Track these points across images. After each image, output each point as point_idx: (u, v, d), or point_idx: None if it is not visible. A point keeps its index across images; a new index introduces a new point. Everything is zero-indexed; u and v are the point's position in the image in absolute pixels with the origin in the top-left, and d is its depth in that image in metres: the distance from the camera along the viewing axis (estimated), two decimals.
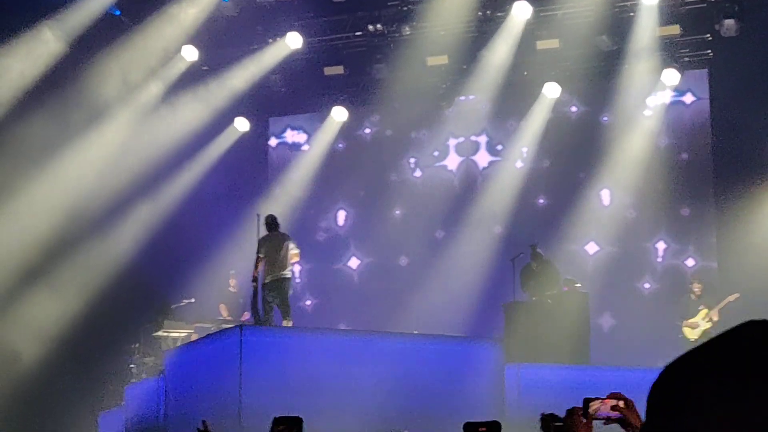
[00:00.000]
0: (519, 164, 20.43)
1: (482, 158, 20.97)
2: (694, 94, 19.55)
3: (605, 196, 19.83)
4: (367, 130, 21.72)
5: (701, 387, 1.04)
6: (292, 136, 22.41)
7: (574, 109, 20.35)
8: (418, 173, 21.38)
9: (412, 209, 21.02)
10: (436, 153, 21.27)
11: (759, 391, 1.00)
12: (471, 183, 20.90)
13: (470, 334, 17.47)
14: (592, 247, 19.82)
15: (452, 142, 21.17)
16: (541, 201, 20.37)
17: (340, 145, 21.64)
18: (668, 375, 1.09)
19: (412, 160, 21.41)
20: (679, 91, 19.51)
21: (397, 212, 21.26)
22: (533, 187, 20.24)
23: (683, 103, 19.65)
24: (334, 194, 21.71)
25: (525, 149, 20.32)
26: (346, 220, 21.80)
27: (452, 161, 21.19)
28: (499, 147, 20.81)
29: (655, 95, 19.40)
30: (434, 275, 19.95)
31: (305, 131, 22.30)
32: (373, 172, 21.43)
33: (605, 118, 19.90)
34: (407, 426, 13.19)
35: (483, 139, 20.97)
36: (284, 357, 13.37)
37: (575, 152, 19.84)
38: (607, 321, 19.12)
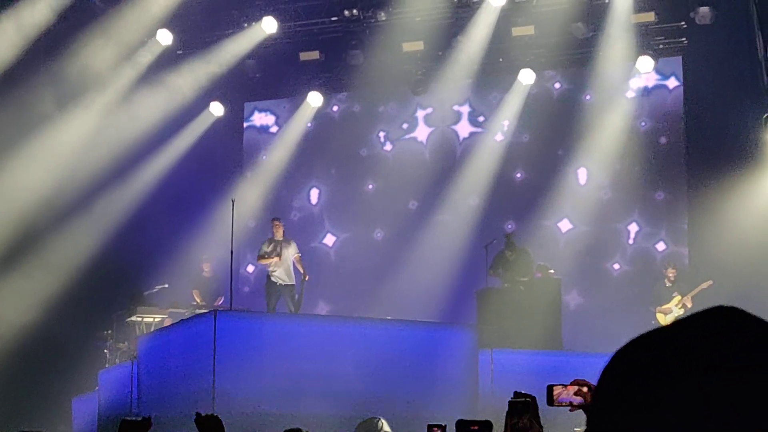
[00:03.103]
0: (499, 137, 20.48)
1: (463, 128, 21.03)
2: (677, 79, 19.62)
3: (582, 174, 19.91)
4: (335, 108, 21.74)
5: (651, 380, 0.98)
6: (260, 118, 22.48)
7: (557, 85, 20.42)
8: (388, 146, 21.46)
9: (384, 183, 21.09)
10: (405, 125, 21.36)
11: (714, 387, 0.95)
12: (445, 153, 20.93)
13: (444, 320, 17.52)
14: (565, 225, 19.93)
15: (420, 114, 21.24)
16: (519, 175, 20.44)
17: (309, 125, 21.65)
18: (619, 361, 1.03)
19: (381, 134, 21.49)
20: (663, 75, 19.60)
21: (370, 186, 21.35)
22: (511, 160, 20.31)
23: (666, 87, 19.73)
24: (306, 173, 21.76)
25: (506, 122, 20.38)
26: (319, 197, 21.87)
27: (422, 132, 21.28)
28: (481, 118, 20.88)
29: (639, 77, 19.46)
30: (410, 247, 20.05)
31: (273, 113, 22.38)
32: (343, 149, 21.50)
33: (588, 97, 19.94)
34: (381, 411, 13.21)
35: (465, 110, 21.02)
36: (258, 342, 13.37)
37: (555, 129, 19.90)
38: (574, 299, 19.22)
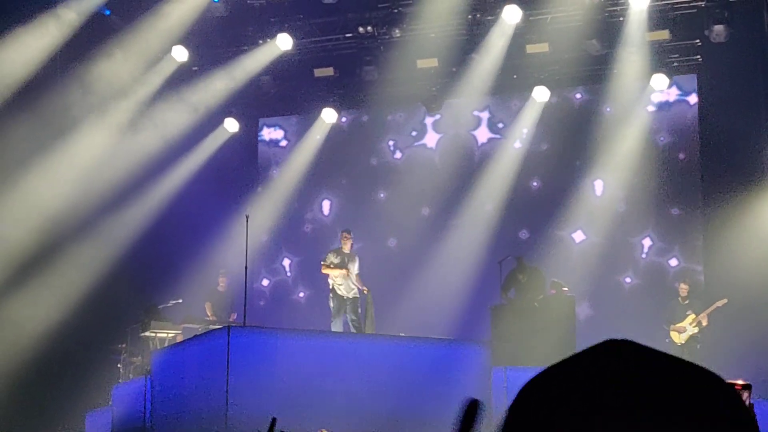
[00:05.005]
0: (517, 144, 20.52)
1: (482, 134, 21.08)
2: (698, 95, 19.65)
3: (598, 186, 19.94)
4: (344, 119, 21.83)
5: (554, 411, 1.03)
6: (269, 133, 22.67)
7: (578, 96, 20.46)
8: (398, 155, 21.57)
9: (396, 191, 21.16)
10: (414, 133, 21.47)
11: (612, 415, 1.01)
12: (461, 159, 20.93)
13: (457, 336, 17.49)
14: (579, 236, 19.96)
15: (429, 121, 21.34)
16: (535, 184, 20.48)
17: (318, 137, 21.73)
18: (523, 398, 1.08)
19: (391, 143, 21.62)
20: (684, 90, 19.62)
21: (381, 195, 21.45)
22: (529, 169, 20.33)
23: (687, 103, 19.74)
24: (317, 185, 21.87)
25: (525, 130, 20.41)
26: (331, 209, 21.94)
27: (431, 139, 21.40)
28: (500, 125, 20.92)
29: (661, 92, 19.46)
30: (423, 257, 20.09)
31: (281, 127, 22.56)
32: (354, 159, 21.66)
33: (608, 109, 19.95)
34: (394, 429, 13.20)
35: (485, 116, 21.07)
36: (272, 358, 13.37)
37: (574, 139, 19.92)
38: (584, 310, 19.17)
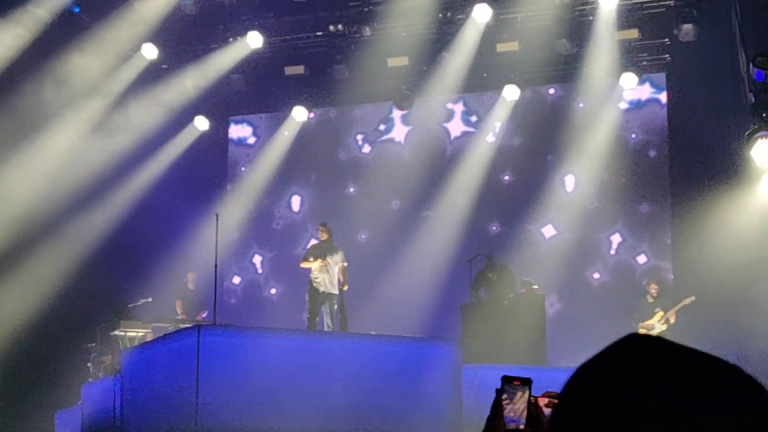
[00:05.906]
0: (490, 138, 20.57)
1: (455, 127, 21.12)
2: (667, 94, 19.77)
3: (569, 181, 20.03)
4: (311, 114, 21.80)
5: (595, 400, 1.16)
6: (236, 130, 22.63)
7: (551, 91, 20.53)
8: (366, 149, 21.59)
9: (365, 185, 21.20)
10: (381, 127, 21.51)
11: (640, 402, 1.12)
12: (432, 152, 20.94)
13: (427, 335, 17.51)
14: (549, 231, 20.04)
15: (397, 114, 21.34)
16: (507, 178, 20.54)
17: (286, 133, 21.71)
18: (572, 385, 1.22)
19: (359, 137, 21.65)
20: (658, 88, 19.74)
21: (351, 190, 21.47)
22: (501, 163, 20.41)
23: (659, 101, 19.86)
24: (286, 181, 21.87)
25: (498, 124, 20.47)
26: (300, 204, 21.94)
27: (399, 133, 21.43)
28: (474, 118, 20.97)
29: (634, 90, 19.56)
30: (393, 252, 20.14)
31: (250, 124, 22.56)
32: (322, 154, 21.70)
33: (581, 105, 20.04)
34: (365, 427, 13.21)
35: (459, 108, 21.11)
36: (242, 357, 13.34)
37: (547, 134, 20.01)
38: (553, 305, 19.25)
